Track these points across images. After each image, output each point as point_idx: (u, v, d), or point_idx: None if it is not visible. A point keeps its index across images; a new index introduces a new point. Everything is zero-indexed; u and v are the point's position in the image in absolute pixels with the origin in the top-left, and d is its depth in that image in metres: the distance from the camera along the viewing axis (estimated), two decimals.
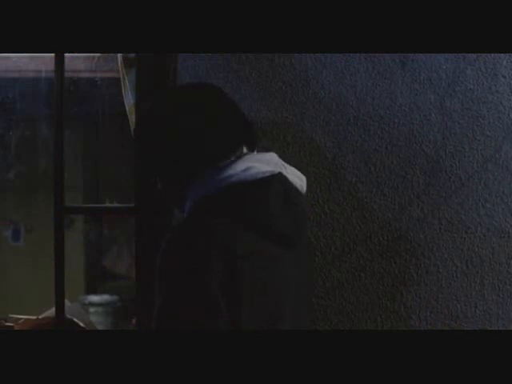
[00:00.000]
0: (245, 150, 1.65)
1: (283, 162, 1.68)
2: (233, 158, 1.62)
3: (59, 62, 2.07)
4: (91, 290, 4.90)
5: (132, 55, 2.14)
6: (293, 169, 1.70)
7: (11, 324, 2.30)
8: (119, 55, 2.20)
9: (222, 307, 1.48)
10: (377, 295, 2.10)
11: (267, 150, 1.71)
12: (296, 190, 1.68)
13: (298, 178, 1.70)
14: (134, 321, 2.15)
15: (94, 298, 4.55)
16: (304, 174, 1.72)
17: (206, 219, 1.55)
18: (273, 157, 1.67)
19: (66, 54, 2.07)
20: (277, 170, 1.63)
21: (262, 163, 1.62)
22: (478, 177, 2.11)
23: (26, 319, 2.31)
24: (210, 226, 1.53)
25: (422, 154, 2.10)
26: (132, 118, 2.16)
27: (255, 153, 1.67)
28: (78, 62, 2.84)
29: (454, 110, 2.11)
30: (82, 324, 2.27)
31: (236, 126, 1.67)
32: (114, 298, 4.52)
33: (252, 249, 1.54)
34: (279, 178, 1.63)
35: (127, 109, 2.21)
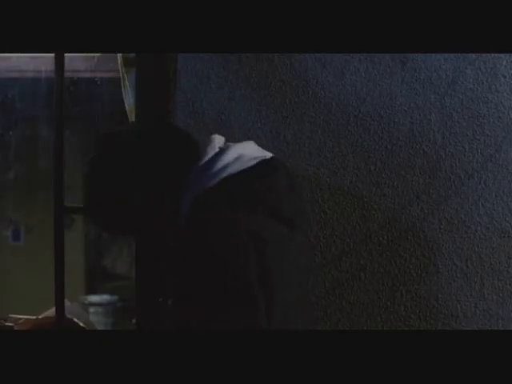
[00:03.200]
0: (219, 143, 1.65)
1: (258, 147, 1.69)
2: (213, 153, 1.61)
3: (59, 61, 2.06)
4: (91, 289, 4.90)
5: (132, 55, 2.14)
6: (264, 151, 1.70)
7: (11, 324, 2.30)
8: (119, 55, 2.20)
9: (261, 298, 1.46)
10: (377, 295, 2.10)
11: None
12: (289, 170, 1.67)
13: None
14: (134, 321, 2.15)
15: (94, 298, 4.55)
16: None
17: (223, 211, 1.51)
18: (251, 144, 1.68)
19: (66, 54, 2.07)
20: (266, 154, 1.64)
21: (247, 150, 1.62)
22: (477, 177, 2.11)
23: (25, 319, 2.31)
24: (231, 216, 1.50)
25: (422, 154, 2.10)
26: (132, 118, 2.17)
27: (230, 144, 1.66)
28: (77, 62, 2.83)
29: (454, 110, 2.10)
30: (81, 324, 2.27)
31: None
32: (114, 298, 4.52)
33: (272, 234, 1.52)
34: (277, 160, 1.63)
35: (127, 109, 2.21)
